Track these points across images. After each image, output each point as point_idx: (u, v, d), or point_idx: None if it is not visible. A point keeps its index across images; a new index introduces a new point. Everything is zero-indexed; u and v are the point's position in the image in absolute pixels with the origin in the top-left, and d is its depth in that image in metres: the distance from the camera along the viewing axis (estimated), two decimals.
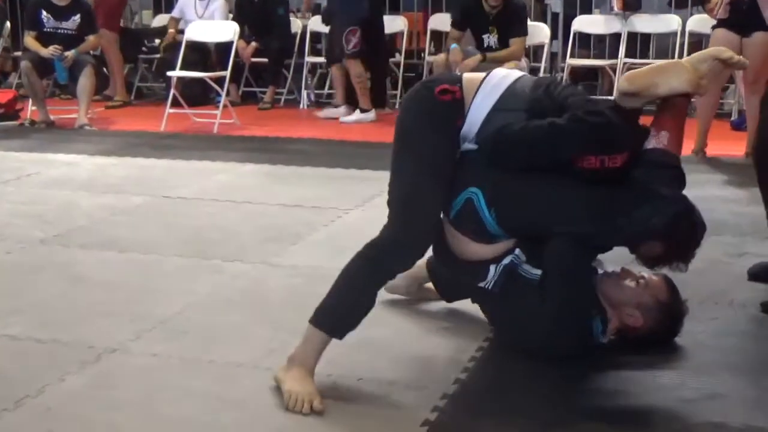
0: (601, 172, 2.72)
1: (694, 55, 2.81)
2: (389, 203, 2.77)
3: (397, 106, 7.79)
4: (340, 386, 2.71)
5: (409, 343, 3.05)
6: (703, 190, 5.13)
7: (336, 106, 8.30)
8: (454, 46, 7.25)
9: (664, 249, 2.79)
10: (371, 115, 8.01)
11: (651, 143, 2.80)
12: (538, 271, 2.86)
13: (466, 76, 2.86)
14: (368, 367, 2.85)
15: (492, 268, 2.87)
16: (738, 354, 2.96)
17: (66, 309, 3.36)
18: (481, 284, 2.90)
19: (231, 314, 3.30)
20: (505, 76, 2.84)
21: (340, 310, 2.68)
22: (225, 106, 7.75)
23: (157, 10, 10.19)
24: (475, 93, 2.77)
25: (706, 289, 3.50)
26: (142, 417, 2.53)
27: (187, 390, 2.69)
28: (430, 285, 3.27)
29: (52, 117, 7.87)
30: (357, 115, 8.00)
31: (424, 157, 2.73)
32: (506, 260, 2.87)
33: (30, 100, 7.90)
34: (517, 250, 2.87)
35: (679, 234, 2.78)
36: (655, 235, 2.75)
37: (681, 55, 8.03)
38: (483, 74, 2.85)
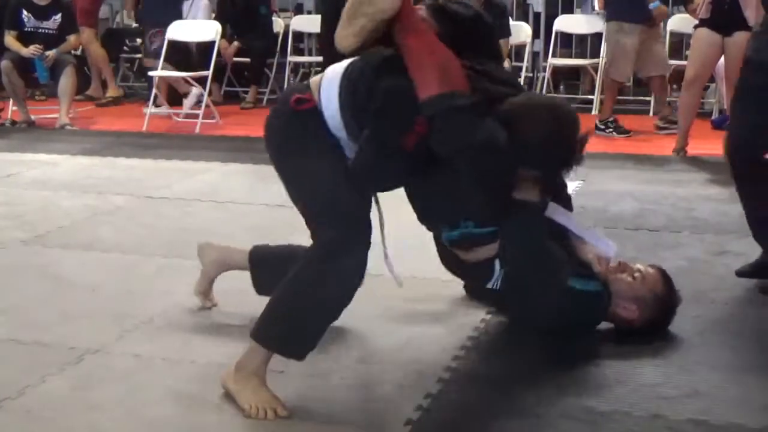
0: (424, 142, 2.52)
1: None
2: (308, 215, 2.68)
3: None
4: (323, 385, 2.71)
5: (392, 342, 3.05)
6: (685, 189, 5.17)
7: (158, 106, 8.19)
8: None
9: (538, 166, 2.72)
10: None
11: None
12: None
13: (312, 80, 2.76)
14: (350, 366, 2.85)
15: (497, 264, 2.90)
16: (720, 352, 2.97)
17: (47, 310, 3.34)
18: (489, 285, 2.94)
19: (213, 315, 3.30)
20: (334, 70, 2.70)
21: (298, 331, 2.59)
22: (207, 105, 7.73)
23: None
24: (319, 94, 2.67)
25: (688, 287, 3.50)
26: (123, 418, 2.52)
27: (170, 391, 2.68)
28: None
29: (32, 117, 7.83)
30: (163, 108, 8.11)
31: (312, 161, 2.64)
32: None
33: (10, 100, 7.86)
34: None
35: (530, 143, 2.61)
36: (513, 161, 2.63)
37: None
38: (320, 75, 2.75)
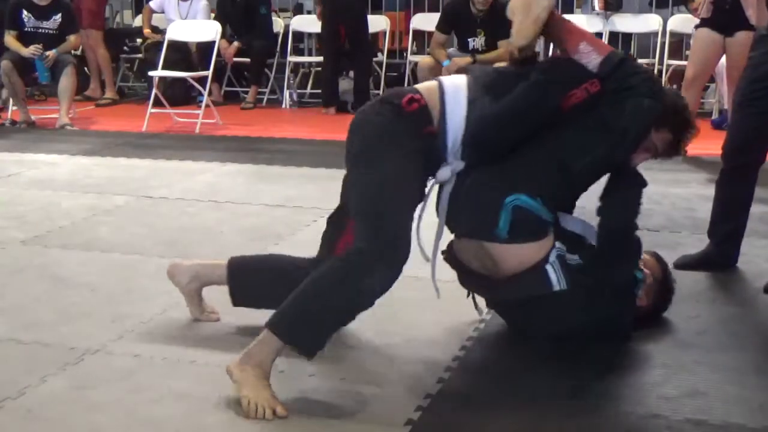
0: (588, 102, 2.81)
1: None
2: (358, 215, 2.70)
3: None
4: (323, 385, 2.71)
5: (391, 343, 3.05)
6: (685, 189, 5.16)
7: None
8: (446, 63, 7.20)
9: (670, 127, 3.00)
10: None
11: (582, 62, 2.85)
12: (576, 256, 2.93)
13: (420, 85, 2.90)
14: (351, 366, 2.85)
15: (548, 268, 2.87)
16: (720, 352, 2.97)
17: (47, 310, 3.34)
18: (556, 289, 2.87)
19: None
20: (453, 80, 2.91)
21: (314, 329, 2.61)
22: (207, 105, 7.73)
23: (138, 10, 10.16)
24: (442, 100, 2.80)
25: (688, 287, 3.51)
26: (123, 418, 2.52)
27: (169, 391, 2.68)
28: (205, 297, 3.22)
29: (32, 117, 7.83)
30: None
31: (391, 170, 2.69)
32: (553, 256, 2.88)
33: (10, 100, 7.86)
34: (557, 243, 2.90)
35: (669, 106, 2.94)
36: (657, 119, 2.88)
37: (662, 55, 8.08)
38: (434, 81, 2.89)
